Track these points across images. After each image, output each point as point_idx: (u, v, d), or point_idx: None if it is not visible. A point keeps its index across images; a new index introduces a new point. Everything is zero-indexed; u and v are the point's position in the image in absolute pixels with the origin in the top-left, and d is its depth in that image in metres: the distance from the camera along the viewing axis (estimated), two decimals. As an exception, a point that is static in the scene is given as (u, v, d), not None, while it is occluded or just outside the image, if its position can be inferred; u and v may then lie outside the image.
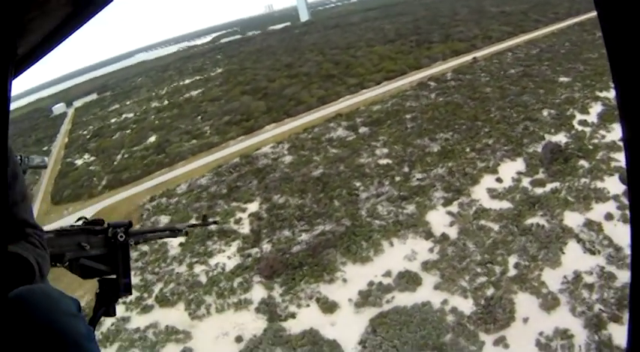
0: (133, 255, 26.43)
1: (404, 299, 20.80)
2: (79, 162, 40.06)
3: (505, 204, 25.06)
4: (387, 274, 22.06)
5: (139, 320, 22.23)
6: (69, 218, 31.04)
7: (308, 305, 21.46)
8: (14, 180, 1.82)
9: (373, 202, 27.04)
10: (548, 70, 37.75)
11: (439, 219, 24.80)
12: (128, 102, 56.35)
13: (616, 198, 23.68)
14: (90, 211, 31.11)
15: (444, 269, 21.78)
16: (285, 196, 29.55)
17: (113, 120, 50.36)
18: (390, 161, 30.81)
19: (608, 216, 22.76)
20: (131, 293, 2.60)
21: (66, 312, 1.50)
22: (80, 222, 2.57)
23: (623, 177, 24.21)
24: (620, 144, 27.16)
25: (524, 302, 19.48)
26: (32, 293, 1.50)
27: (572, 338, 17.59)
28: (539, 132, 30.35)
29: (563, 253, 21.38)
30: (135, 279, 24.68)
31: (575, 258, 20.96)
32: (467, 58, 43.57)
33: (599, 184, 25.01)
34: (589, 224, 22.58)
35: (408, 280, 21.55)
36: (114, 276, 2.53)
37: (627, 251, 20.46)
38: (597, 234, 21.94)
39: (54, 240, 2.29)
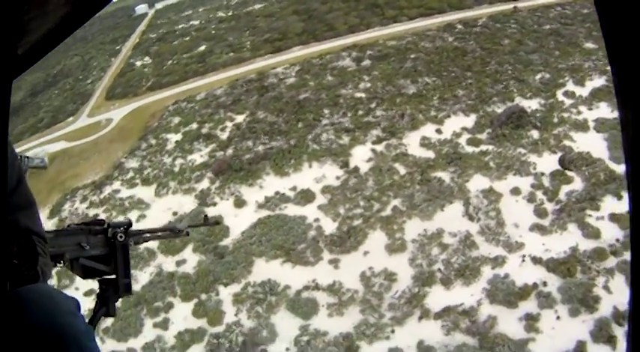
0: (142, 145, 34.42)
1: (291, 210, 25.52)
2: (138, 63, 48.40)
3: (427, 154, 26.77)
4: (293, 189, 26.66)
5: (124, 192, 30.50)
6: (113, 112, 40.03)
7: (227, 200, 27.45)
8: (19, 184, 1.81)
9: (323, 129, 30.57)
10: (582, 33, 34.00)
11: (361, 154, 27.74)
12: (200, 9, 61.43)
13: (538, 176, 23.90)
14: (127, 109, 39.68)
15: (336, 195, 25.60)
16: (267, 113, 34.34)
17: (180, 26, 56.30)
18: (364, 95, 33.09)
19: (515, 191, 23.52)
20: (131, 294, 2.61)
21: (65, 311, 1.50)
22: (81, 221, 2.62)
23: (564, 160, 24.08)
24: (589, 125, 25.95)
25: (376, 240, 22.74)
26: (31, 293, 1.50)
27: (395, 282, 20.76)
28: (514, 93, 29.50)
29: (442, 210, 23.41)
30: (134, 163, 32.88)
31: (449, 218, 22.84)
32: (509, 5, 40.21)
33: (532, 158, 25.04)
34: (488, 192, 23.72)
35: (303, 197, 25.98)
36: (114, 276, 2.54)
37: (508, 229, 21.69)
38: (489, 204, 23.15)
39: (54, 240, 2.32)
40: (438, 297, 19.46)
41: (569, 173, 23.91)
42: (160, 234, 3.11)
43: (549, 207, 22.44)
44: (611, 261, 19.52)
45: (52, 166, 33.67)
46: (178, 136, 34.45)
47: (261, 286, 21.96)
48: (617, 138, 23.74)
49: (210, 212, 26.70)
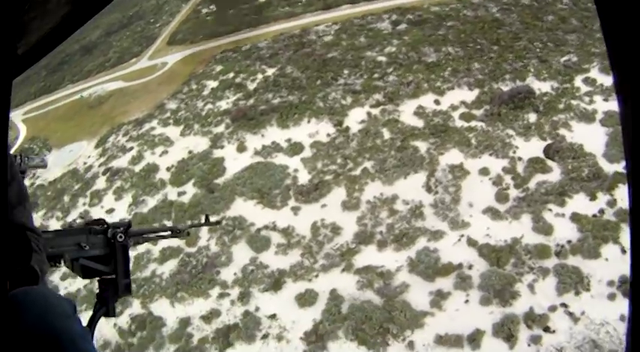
0: (184, 89, 38.52)
1: (279, 159, 28.16)
2: (203, 11, 52.05)
3: (416, 123, 27.27)
4: (288, 141, 29.09)
5: (158, 130, 34.99)
6: (170, 56, 44.50)
7: (233, 144, 30.77)
8: (11, 181, 1.82)
9: (334, 89, 32.04)
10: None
11: (357, 116, 28.99)
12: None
13: (514, 160, 23.59)
14: (182, 55, 43.94)
15: (320, 150, 27.60)
16: (295, 68, 36.39)
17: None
18: (385, 59, 33.52)
19: (483, 171, 23.63)
20: (131, 294, 2.65)
21: (61, 314, 1.51)
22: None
23: (549, 149, 23.51)
24: (596, 116, 24.40)
25: (337, 196, 24.59)
26: (27, 295, 1.50)
27: (338, 236, 22.60)
28: (529, 73, 28.05)
29: (405, 178, 24.38)
30: (173, 105, 37.20)
31: (408, 186, 23.83)
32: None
33: (518, 142, 24.54)
34: (457, 167, 24.03)
35: (293, 149, 28.38)
36: (114, 277, 2.55)
37: (461, 207, 22.22)
38: (452, 179, 23.61)
39: (53, 240, 2.34)
40: (367, 256, 21.17)
41: (550, 163, 23.19)
42: (160, 234, 3.15)
43: (513, 193, 22.30)
44: (551, 262, 19.38)
45: (108, 103, 39.61)
46: (215, 83, 38.03)
47: (233, 220, 25.30)
48: (620, 135, 22.31)
49: (217, 153, 30.40)
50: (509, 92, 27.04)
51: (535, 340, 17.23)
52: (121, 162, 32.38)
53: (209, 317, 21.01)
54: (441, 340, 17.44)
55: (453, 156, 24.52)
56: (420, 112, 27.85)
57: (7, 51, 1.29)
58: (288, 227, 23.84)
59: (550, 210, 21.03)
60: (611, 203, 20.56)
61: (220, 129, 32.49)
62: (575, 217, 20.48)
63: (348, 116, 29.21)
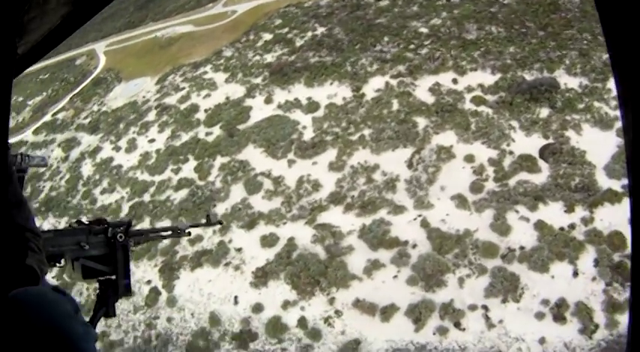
0: (242, 39, 41.24)
1: (295, 115, 30.33)
2: None
3: (427, 99, 27.45)
4: (308, 99, 30.98)
5: (209, 75, 38.25)
6: (240, 5, 47.05)
7: (262, 96, 33.34)
8: (10, 182, 1.84)
9: (368, 55, 32.71)
10: None
11: (375, 84, 29.73)
12: None
13: (504, 153, 23.28)
14: (250, 5, 46.33)
15: (332, 112, 29.20)
16: (342, 30, 37.26)
17: None
18: (426, 31, 33.08)
19: (469, 158, 23.81)
20: (131, 294, 2.62)
21: (63, 313, 1.51)
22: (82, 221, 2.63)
23: (545, 149, 22.90)
24: (614, 124, 22.80)
25: (328, 156, 26.38)
26: (29, 295, 1.51)
27: (316, 192, 24.65)
28: (561, 66, 26.28)
29: (393, 151, 25.29)
30: (229, 52, 40.32)
31: (392, 159, 24.95)
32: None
33: (517, 135, 24.02)
34: (444, 149, 24.41)
35: (309, 107, 30.31)
36: (114, 277, 2.54)
37: (432, 188, 22.88)
38: (435, 160, 24.04)
39: (54, 240, 2.34)
40: (331, 215, 23.10)
41: (541, 163, 22.51)
42: (161, 234, 3.17)
43: (489, 186, 22.27)
44: (493, 263, 19.57)
45: (176, 44, 43.90)
46: (269, 36, 40.33)
47: (239, 163, 28.45)
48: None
49: (248, 102, 33.32)
50: (531, 82, 25.89)
51: (441, 331, 18.12)
52: (172, 99, 36.75)
53: (194, 240, 24.74)
54: (357, 304, 19.20)
55: (446, 138, 24.76)
56: (434, 89, 27.87)
57: (7, 51, 1.31)
58: (279, 176, 26.38)
59: (517, 211, 20.80)
60: (587, 221, 19.71)
61: (258, 80, 35.16)
62: (539, 225, 20.09)
63: (368, 83, 30.09)
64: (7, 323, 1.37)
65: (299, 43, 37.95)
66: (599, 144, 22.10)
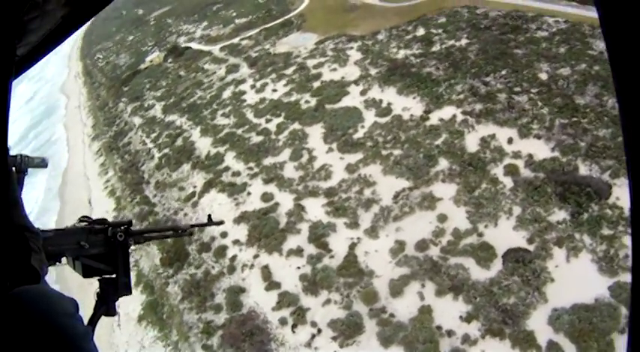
0: (408, 28, 43.23)
1: (369, 114, 32.93)
2: None
3: (470, 146, 26.78)
4: (389, 104, 33.15)
5: (350, 51, 42.81)
6: None
7: (362, 86, 36.60)
8: (9, 182, 1.89)
9: (472, 82, 31.97)
10: None
11: (444, 113, 29.83)
12: None
13: (460, 236, 22.34)
14: None
15: (390, 123, 31.08)
16: (478, 49, 36.16)
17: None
18: (545, 79, 30.16)
19: (441, 217, 23.51)
20: (131, 293, 2.66)
21: (63, 312, 1.52)
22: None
23: (507, 258, 21.57)
24: None
25: (356, 156, 29.19)
26: (29, 294, 1.53)
27: (328, 180, 28.41)
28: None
29: (396, 179, 26.70)
30: (381, 36, 43.24)
31: (389, 184, 26.50)
32: None
33: (506, 224, 22.26)
34: (433, 199, 24.44)
35: (383, 111, 32.56)
36: (114, 276, 2.59)
37: (389, 227, 24.20)
38: (417, 205, 24.67)
39: (53, 239, 2.36)
40: (307, 202, 27.20)
41: (498, 262, 21.11)
42: (161, 233, 3.22)
43: (431, 252, 21.91)
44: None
45: (356, 12, 48.21)
46: (422, 32, 41.44)
47: (302, 134, 33.74)
48: None
49: (349, 88, 37.02)
50: (580, 177, 22.95)
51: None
52: (311, 62, 42.89)
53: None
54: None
55: (443, 190, 24.63)
56: (485, 140, 26.88)
57: (7, 51, 1.33)
58: (313, 157, 30.88)
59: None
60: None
61: (373, 71, 38.25)
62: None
63: (440, 110, 30.48)
64: (8, 322, 1.38)
65: (435, 48, 38.65)
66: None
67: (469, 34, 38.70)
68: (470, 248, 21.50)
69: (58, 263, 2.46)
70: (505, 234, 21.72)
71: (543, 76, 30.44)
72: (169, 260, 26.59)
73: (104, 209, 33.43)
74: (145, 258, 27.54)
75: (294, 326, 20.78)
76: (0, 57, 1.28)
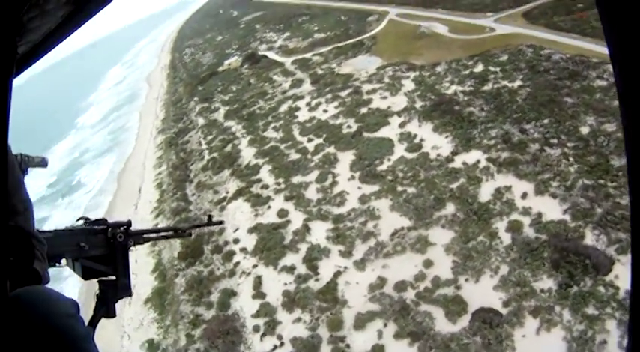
0: (463, 62, 42.81)
1: (397, 147, 33.77)
2: None
3: (484, 196, 26.52)
4: (421, 140, 33.55)
5: (404, 81, 43.36)
6: (505, 26, 46.13)
7: (404, 118, 37.23)
8: (18, 187, 1.86)
9: (505, 127, 31.42)
10: None
11: (470, 157, 29.68)
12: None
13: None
14: (504, 30, 45.08)
15: (416, 159, 31.59)
16: (531, 94, 34.95)
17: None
18: (585, 133, 28.74)
19: (427, 263, 23.66)
20: (131, 295, 2.65)
21: (64, 313, 1.53)
22: (81, 222, 2.67)
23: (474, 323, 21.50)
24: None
25: (371, 188, 30.23)
26: (30, 295, 1.53)
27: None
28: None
29: (400, 216, 27.25)
30: (440, 68, 43.16)
31: (392, 219, 27.13)
32: None
33: (482, 284, 22.04)
34: (425, 242, 24.84)
35: (414, 146, 33.11)
36: (114, 277, 2.58)
37: (377, 263, 24.83)
38: (409, 246, 25.10)
39: (53, 240, 2.34)
40: (314, 224, 28.85)
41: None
42: (161, 234, 3.20)
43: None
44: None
45: (422, 41, 48.89)
46: (480, 69, 40.79)
47: (333, 158, 35.41)
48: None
49: (391, 119, 37.94)
50: (581, 247, 21.90)
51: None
52: (366, 87, 44.27)
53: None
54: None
55: (436, 237, 24.78)
56: (500, 192, 26.42)
57: (7, 51, 1.31)
58: (335, 182, 32.44)
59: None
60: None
61: (418, 105, 38.65)
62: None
63: (467, 153, 30.27)
64: (10, 322, 1.38)
65: (486, 87, 38.05)
66: None
67: (525, 75, 37.52)
68: (443, 298, 21.63)
69: (57, 264, 2.44)
70: (482, 292, 21.49)
71: (585, 130, 28.88)
72: (186, 255, 29.86)
73: (149, 199, 38.01)
74: (167, 249, 31.14)
75: (263, 335, 22.63)
76: (0, 55, 1.27)
